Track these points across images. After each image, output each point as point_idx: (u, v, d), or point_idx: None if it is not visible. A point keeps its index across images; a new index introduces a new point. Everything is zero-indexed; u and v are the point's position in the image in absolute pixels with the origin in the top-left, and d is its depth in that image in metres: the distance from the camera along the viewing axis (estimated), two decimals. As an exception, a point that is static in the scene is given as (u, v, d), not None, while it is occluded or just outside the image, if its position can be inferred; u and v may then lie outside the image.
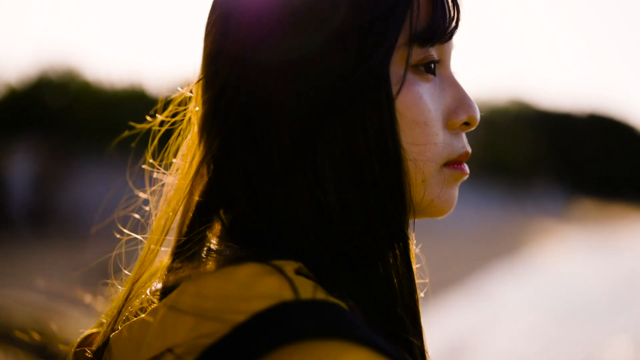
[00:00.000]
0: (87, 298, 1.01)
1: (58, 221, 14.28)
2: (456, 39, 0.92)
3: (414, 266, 0.88)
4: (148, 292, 0.86)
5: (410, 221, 0.88)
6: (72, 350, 0.89)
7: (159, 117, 0.97)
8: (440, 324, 8.41)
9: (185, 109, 0.95)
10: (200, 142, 0.88)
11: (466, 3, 0.91)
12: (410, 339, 0.84)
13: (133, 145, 0.97)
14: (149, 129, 0.98)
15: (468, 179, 0.93)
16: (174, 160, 0.95)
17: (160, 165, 0.96)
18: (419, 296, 0.88)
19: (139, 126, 0.98)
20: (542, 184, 31.31)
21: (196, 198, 0.89)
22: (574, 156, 35.44)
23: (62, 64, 16.70)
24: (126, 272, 0.96)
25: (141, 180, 0.99)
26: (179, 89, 0.95)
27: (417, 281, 0.88)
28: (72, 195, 14.86)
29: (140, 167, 0.98)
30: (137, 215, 0.99)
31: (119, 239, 0.99)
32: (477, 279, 12.32)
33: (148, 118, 0.98)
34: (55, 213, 14.88)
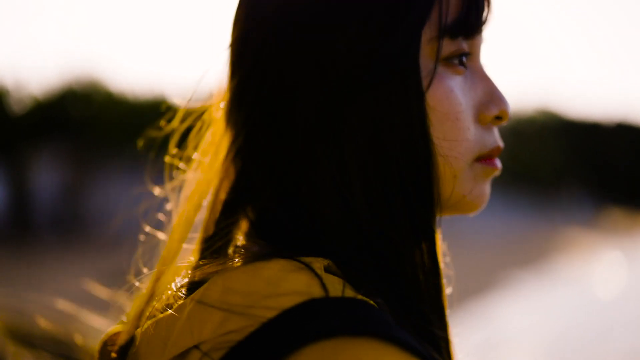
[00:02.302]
0: (112, 303, 1.00)
1: (82, 228, 14.41)
2: (486, 33, 0.90)
3: (441, 263, 0.86)
4: (174, 288, 0.84)
5: (437, 217, 0.86)
6: (97, 348, 0.88)
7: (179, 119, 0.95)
8: (466, 332, 8.36)
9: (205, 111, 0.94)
10: (225, 135, 0.87)
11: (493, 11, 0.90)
12: (437, 336, 0.82)
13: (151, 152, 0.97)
14: (171, 134, 0.97)
15: (495, 187, 0.91)
16: (194, 157, 0.93)
17: (180, 164, 0.95)
18: (446, 293, 0.86)
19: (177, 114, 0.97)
20: (570, 192, 31.15)
21: (223, 195, 0.88)
22: (603, 165, 35.22)
23: (86, 76, 16.90)
24: (147, 275, 0.94)
25: (162, 183, 0.98)
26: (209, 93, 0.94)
27: (444, 278, 0.87)
28: (96, 203, 14.99)
29: (162, 170, 0.97)
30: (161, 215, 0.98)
31: (142, 244, 0.98)
32: (503, 287, 12.25)
33: (166, 122, 0.97)
34: (80, 220, 15.04)
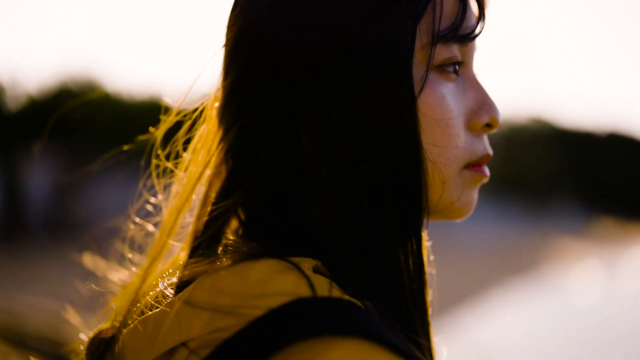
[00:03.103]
0: (102, 304, 1.00)
1: (74, 229, 14.36)
2: (479, 40, 0.90)
3: (426, 267, 0.87)
4: (163, 286, 0.85)
5: (425, 222, 0.87)
6: (85, 345, 0.89)
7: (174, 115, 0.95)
8: (455, 337, 8.35)
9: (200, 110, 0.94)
10: (217, 133, 0.88)
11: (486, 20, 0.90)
12: (420, 338, 0.83)
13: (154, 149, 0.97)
14: (164, 135, 0.97)
15: (487, 195, 0.92)
16: (185, 155, 0.94)
17: (173, 164, 0.95)
18: (429, 297, 0.87)
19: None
20: (561, 201, 31.19)
21: (213, 193, 0.88)
22: (594, 175, 35.25)
23: (82, 75, 16.85)
24: (135, 272, 0.95)
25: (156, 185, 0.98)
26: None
27: (429, 282, 0.87)
28: (89, 203, 14.94)
29: (157, 172, 0.97)
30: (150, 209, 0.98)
31: (134, 246, 0.99)
32: (493, 294, 12.25)
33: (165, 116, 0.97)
34: (72, 221, 14.98)
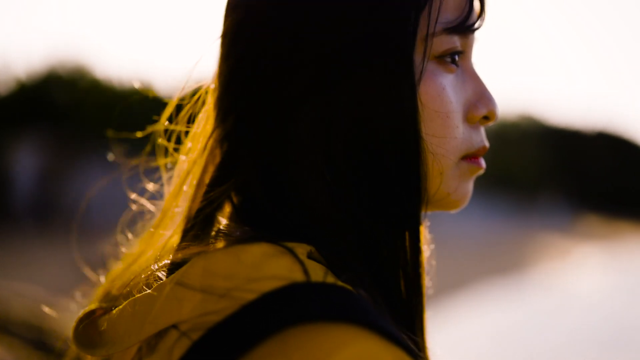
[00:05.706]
0: (86, 293, 1.00)
1: (61, 216, 14.32)
2: (478, 32, 0.90)
3: (424, 259, 0.87)
4: (154, 268, 0.84)
5: (423, 213, 0.87)
6: (72, 327, 0.87)
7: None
8: (438, 332, 8.38)
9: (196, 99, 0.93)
10: (214, 119, 0.87)
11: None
12: (414, 327, 0.83)
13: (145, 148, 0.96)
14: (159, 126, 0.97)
15: (475, 190, 0.93)
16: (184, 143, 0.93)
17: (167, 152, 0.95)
18: (425, 289, 0.87)
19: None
20: (549, 198, 31.36)
21: (207, 178, 0.87)
22: (582, 172, 35.47)
23: (71, 61, 16.78)
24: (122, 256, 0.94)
25: (148, 175, 0.98)
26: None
27: (425, 275, 0.87)
28: (77, 191, 14.89)
29: (146, 161, 0.97)
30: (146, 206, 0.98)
31: (119, 234, 0.98)
32: (477, 290, 12.30)
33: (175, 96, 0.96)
34: (59, 208, 14.93)
